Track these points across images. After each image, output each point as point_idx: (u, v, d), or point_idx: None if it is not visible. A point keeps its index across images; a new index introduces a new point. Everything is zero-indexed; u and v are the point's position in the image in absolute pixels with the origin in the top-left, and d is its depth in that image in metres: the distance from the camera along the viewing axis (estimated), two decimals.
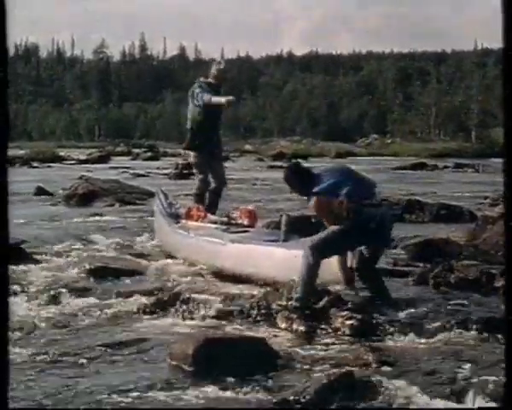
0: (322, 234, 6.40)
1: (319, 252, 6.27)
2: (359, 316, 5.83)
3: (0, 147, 1.91)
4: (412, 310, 6.30)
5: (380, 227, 6.46)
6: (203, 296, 6.59)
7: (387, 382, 4.44)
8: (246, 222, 7.82)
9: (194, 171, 9.59)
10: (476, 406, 4.07)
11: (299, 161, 7.77)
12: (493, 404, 4.01)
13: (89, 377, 4.68)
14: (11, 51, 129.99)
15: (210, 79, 9.25)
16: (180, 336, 5.50)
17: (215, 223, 8.04)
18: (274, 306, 6.13)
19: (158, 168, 32.95)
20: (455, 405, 4.14)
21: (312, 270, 6.23)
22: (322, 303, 6.08)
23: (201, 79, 9.35)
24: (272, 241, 7.08)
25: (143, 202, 15.57)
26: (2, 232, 1.90)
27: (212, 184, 9.17)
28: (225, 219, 7.98)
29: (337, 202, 6.33)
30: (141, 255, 8.91)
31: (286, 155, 46.82)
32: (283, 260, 6.86)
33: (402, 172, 32.79)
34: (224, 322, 6.02)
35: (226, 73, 9.17)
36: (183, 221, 8.39)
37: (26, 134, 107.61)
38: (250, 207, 8.49)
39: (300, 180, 6.61)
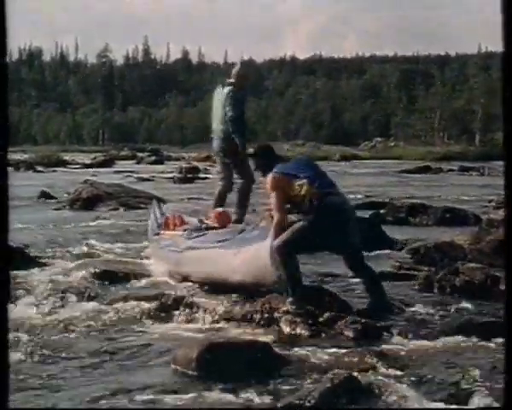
0: (287, 232, 6.25)
1: (287, 249, 6.20)
2: (363, 320, 5.83)
3: (0, 150, 1.90)
4: (417, 314, 6.29)
5: (346, 220, 6.37)
6: (206, 301, 6.56)
7: (391, 385, 4.43)
8: (217, 224, 7.83)
9: (220, 170, 9.42)
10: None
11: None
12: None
13: (93, 381, 4.68)
14: (15, 55, 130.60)
15: (233, 81, 9.28)
16: (184, 341, 5.50)
17: (186, 230, 8.02)
18: (277, 312, 6.11)
19: (162, 172, 32.95)
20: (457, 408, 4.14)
21: (289, 267, 6.22)
22: (326, 316, 6.02)
23: (228, 81, 9.35)
24: (223, 240, 7.02)
25: (148, 206, 15.55)
26: (2, 235, 1.89)
27: (239, 183, 9.15)
28: (199, 224, 7.99)
29: (297, 184, 6.26)
30: (145, 259, 8.90)
31: (290, 159, 46.69)
32: (224, 260, 6.76)
33: (406, 175, 32.78)
34: (227, 326, 6.02)
35: (246, 75, 9.22)
36: (162, 232, 8.40)
37: (30, 138, 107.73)
38: (220, 209, 8.51)
39: (266, 158, 6.68)
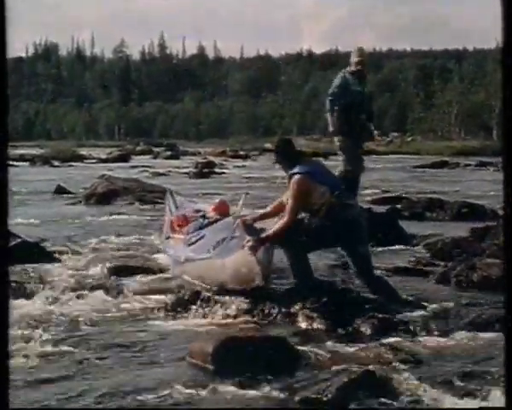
0: (296, 232, 6.28)
1: (296, 249, 6.25)
2: (380, 315, 5.81)
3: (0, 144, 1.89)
4: (433, 309, 6.26)
5: (356, 228, 6.38)
6: (223, 295, 6.55)
7: (408, 381, 4.41)
8: (218, 215, 7.84)
9: (342, 153, 9.79)
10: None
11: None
12: None
13: (108, 375, 4.68)
14: (30, 50, 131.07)
15: (353, 69, 9.40)
16: (200, 335, 5.50)
17: (187, 233, 8.03)
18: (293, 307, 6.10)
19: (178, 167, 32.99)
20: (476, 403, 4.11)
21: (298, 265, 6.27)
22: (342, 311, 6.02)
23: (347, 69, 9.52)
24: (217, 244, 7.07)
25: (163, 201, 15.56)
26: (1, 230, 1.88)
27: (349, 169, 9.44)
28: (201, 219, 8.00)
29: (321, 191, 6.24)
30: (160, 253, 8.89)
31: (306, 154, 46.55)
32: (216, 269, 6.83)
33: (423, 170, 32.66)
34: (243, 321, 6.01)
35: (365, 59, 9.37)
36: (170, 235, 8.41)
37: (45, 133, 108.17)
38: (218, 200, 8.54)
39: (290, 155, 6.59)
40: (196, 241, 7.48)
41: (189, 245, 7.52)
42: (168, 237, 8.38)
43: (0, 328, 1.95)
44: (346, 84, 9.52)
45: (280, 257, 6.77)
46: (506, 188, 2.02)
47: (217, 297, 6.46)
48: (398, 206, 13.22)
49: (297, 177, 6.30)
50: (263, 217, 6.86)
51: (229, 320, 6.06)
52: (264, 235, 6.42)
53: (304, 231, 6.28)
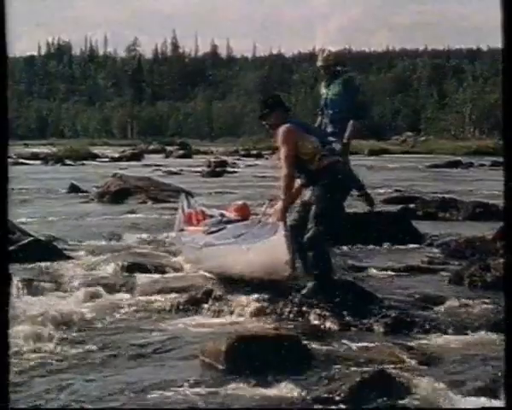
0: (310, 221, 6.14)
1: (322, 239, 6.15)
2: (393, 314, 5.79)
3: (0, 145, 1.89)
4: (447, 308, 6.23)
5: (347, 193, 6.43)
6: (235, 294, 6.54)
7: (421, 380, 4.39)
8: (238, 217, 7.81)
9: None
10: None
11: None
12: None
13: (122, 374, 4.68)
14: (43, 49, 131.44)
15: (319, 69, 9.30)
16: (212, 334, 5.49)
17: (207, 225, 8.00)
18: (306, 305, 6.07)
19: (190, 166, 33.01)
20: (487, 402, 4.09)
21: (324, 258, 6.20)
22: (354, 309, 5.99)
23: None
24: (239, 235, 6.98)
25: (176, 200, 15.57)
26: (1, 231, 1.88)
27: None
28: (220, 217, 7.98)
29: (309, 140, 6.15)
30: (173, 252, 8.90)
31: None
32: (238, 256, 6.64)
33: (437, 170, 32.50)
34: (256, 319, 6.00)
35: (329, 60, 9.14)
36: (185, 227, 8.40)
37: (58, 132, 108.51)
38: (240, 202, 8.49)
39: (277, 108, 6.44)
40: (217, 231, 7.43)
41: (209, 234, 7.47)
42: (182, 230, 8.37)
43: (0, 328, 1.94)
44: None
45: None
46: (506, 189, 2.02)
47: (229, 295, 6.45)
48: (412, 205, 13.18)
49: (282, 127, 6.21)
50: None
51: (242, 319, 6.05)
52: (280, 200, 6.30)
53: (315, 209, 6.15)
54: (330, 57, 9.12)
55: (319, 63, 9.08)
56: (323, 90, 9.13)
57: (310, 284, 6.23)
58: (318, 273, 6.23)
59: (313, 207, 6.12)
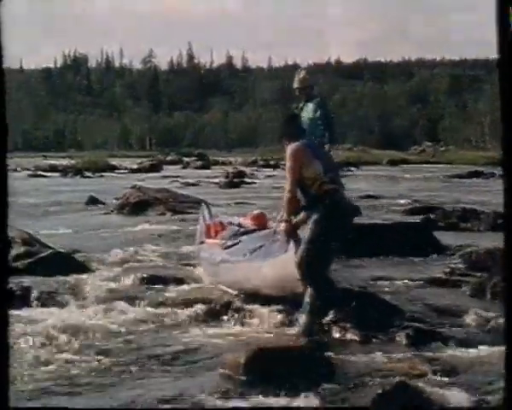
0: (304, 245, 6.05)
1: (313, 266, 6.01)
2: (415, 325, 5.74)
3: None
4: (469, 320, 6.17)
5: (347, 225, 6.29)
6: (254, 306, 6.51)
7: (442, 392, 4.35)
8: (255, 226, 7.81)
9: None
10: None
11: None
12: None
13: (141, 385, 4.66)
14: (59, 61, 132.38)
15: (295, 90, 9.10)
16: (232, 346, 5.47)
17: (224, 238, 7.99)
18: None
19: (208, 177, 33.06)
20: None
21: (315, 280, 6.05)
22: (375, 321, 5.94)
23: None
24: (254, 250, 6.99)
25: (194, 211, 15.58)
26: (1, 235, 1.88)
27: None
28: (237, 228, 7.97)
29: (314, 165, 6.11)
30: (192, 264, 8.88)
31: None
32: (252, 273, 6.73)
33: (457, 180, 32.33)
34: (275, 331, 5.96)
35: (306, 82, 8.94)
36: (205, 240, 8.40)
37: (76, 144, 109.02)
38: (257, 211, 8.48)
39: (292, 125, 6.55)
40: (232, 245, 7.45)
41: (225, 249, 7.50)
42: (202, 242, 8.38)
43: (0, 329, 1.94)
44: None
45: None
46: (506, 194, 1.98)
47: (248, 307, 6.42)
48: (432, 216, 13.10)
49: (293, 145, 6.23)
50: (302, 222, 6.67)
51: (261, 330, 6.02)
52: (281, 218, 6.35)
53: (310, 240, 6.07)
54: (306, 79, 9.01)
55: (296, 85, 8.97)
56: (296, 112, 9.01)
57: (301, 320, 6.05)
58: (313, 295, 6.11)
59: (308, 231, 6.09)
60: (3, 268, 1.94)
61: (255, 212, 8.42)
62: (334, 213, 6.03)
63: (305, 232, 6.10)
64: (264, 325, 6.14)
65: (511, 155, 2.00)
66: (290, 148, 6.21)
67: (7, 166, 1.93)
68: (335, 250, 6.40)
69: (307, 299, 5.99)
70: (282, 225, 6.27)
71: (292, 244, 6.14)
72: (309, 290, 6.01)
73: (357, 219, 8.43)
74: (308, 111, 8.80)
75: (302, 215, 6.16)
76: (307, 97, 8.89)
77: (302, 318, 5.94)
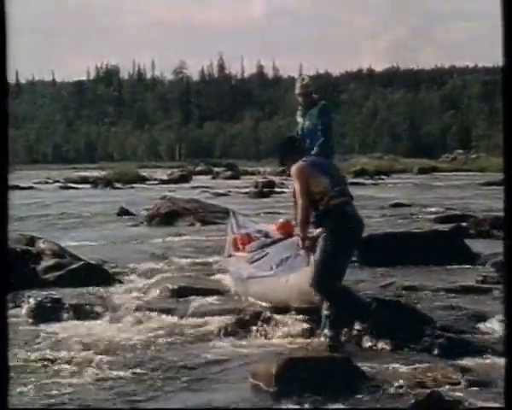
0: (316, 263, 6.00)
1: (327, 282, 5.93)
2: (446, 334, 5.68)
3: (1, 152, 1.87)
4: (501, 329, 6.08)
5: (358, 235, 6.19)
6: (284, 316, 6.48)
7: (475, 402, 4.31)
8: (281, 235, 7.78)
9: None
10: None
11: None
12: None
13: (171, 396, 4.65)
14: (92, 74, 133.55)
15: (297, 97, 9.01)
16: (262, 356, 5.44)
17: (251, 251, 7.98)
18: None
19: (238, 187, 33.08)
20: None
21: (335, 298, 5.97)
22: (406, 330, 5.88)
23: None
24: (280, 262, 6.99)
25: (223, 222, 15.60)
26: (1, 236, 1.86)
27: None
28: (263, 239, 7.96)
29: (320, 180, 6.06)
30: (221, 275, 8.87)
31: (367, 172, 46.30)
32: (279, 287, 6.74)
33: (490, 187, 31.98)
34: (306, 341, 5.93)
35: (308, 88, 8.82)
36: (232, 253, 8.40)
37: (107, 155, 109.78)
38: (283, 220, 8.46)
39: (294, 150, 6.45)
40: (259, 258, 7.46)
41: (252, 263, 7.50)
42: (230, 256, 8.38)
43: (0, 329, 1.93)
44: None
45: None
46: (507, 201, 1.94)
47: (278, 317, 6.39)
48: (464, 224, 12.99)
49: (296, 165, 6.18)
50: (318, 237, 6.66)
51: (291, 340, 5.99)
52: (297, 232, 6.35)
53: (322, 260, 6.00)
54: (309, 85, 8.90)
55: (297, 91, 8.84)
56: (299, 119, 8.90)
57: (326, 334, 5.94)
58: (332, 308, 6.05)
59: (318, 250, 6.05)
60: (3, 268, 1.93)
61: (281, 220, 8.40)
62: (342, 227, 5.99)
63: (316, 250, 6.08)
64: (295, 335, 6.10)
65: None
66: (294, 169, 6.17)
67: (8, 182, 1.91)
68: (347, 261, 6.32)
69: (325, 312, 5.95)
70: (300, 243, 6.23)
71: (312, 257, 6.12)
72: (325, 305, 5.97)
73: (389, 228, 8.41)
74: (311, 117, 8.71)
75: (318, 231, 6.13)
76: (310, 104, 8.80)
77: (326, 332, 5.89)
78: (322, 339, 5.87)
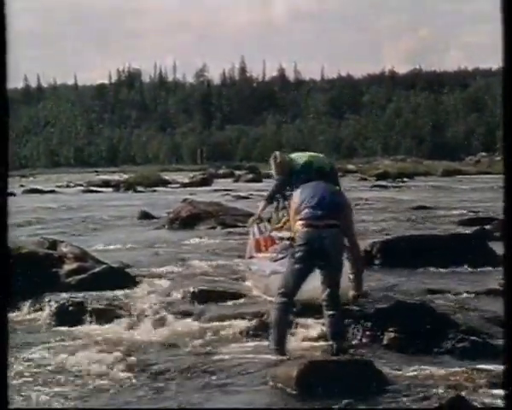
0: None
1: (283, 292, 6.00)
2: (470, 338, 5.63)
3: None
4: None
5: (324, 251, 6.03)
6: (305, 319, 6.45)
7: (498, 404, 4.27)
8: None
9: None
10: None
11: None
12: None
13: (192, 398, 4.65)
14: (114, 77, 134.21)
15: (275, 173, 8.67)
16: (283, 359, 5.41)
17: (275, 251, 7.96)
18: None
19: (259, 190, 33.05)
20: None
21: (278, 313, 5.95)
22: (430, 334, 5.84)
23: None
24: None
25: (245, 225, 15.56)
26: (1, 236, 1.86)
27: None
28: (288, 242, 7.93)
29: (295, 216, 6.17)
30: (242, 278, 8.85)
31: (390, 175, 46.14)
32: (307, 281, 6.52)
33: None
34: (326, 344, 5.89)
35: (283, 164, 8.45)
36: (254, 255, 8.38)
37: (129, 159, 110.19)
38: None
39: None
40: (283, 258, 7.43)
41: (275, 261, 7.48)
42: (251, 257, 8.36)
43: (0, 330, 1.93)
44: None
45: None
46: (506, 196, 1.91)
47: (298, 320, 6.36)
48: (488, 227, 12.90)
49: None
50: None
51: (313, 343, 5.96)
52: None
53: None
54: (283, 161, 8.48)
55: (274, 170, 8.55)
56: None
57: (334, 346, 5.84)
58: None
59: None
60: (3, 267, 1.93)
61: None
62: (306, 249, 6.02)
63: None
64: (315, 337, 6.08)
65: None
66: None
67: (7, 179, 1.91)
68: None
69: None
70: None
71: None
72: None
73: (412, 231, 8.33)
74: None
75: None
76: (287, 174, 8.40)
77: (333, 345, 5.82)
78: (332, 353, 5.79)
